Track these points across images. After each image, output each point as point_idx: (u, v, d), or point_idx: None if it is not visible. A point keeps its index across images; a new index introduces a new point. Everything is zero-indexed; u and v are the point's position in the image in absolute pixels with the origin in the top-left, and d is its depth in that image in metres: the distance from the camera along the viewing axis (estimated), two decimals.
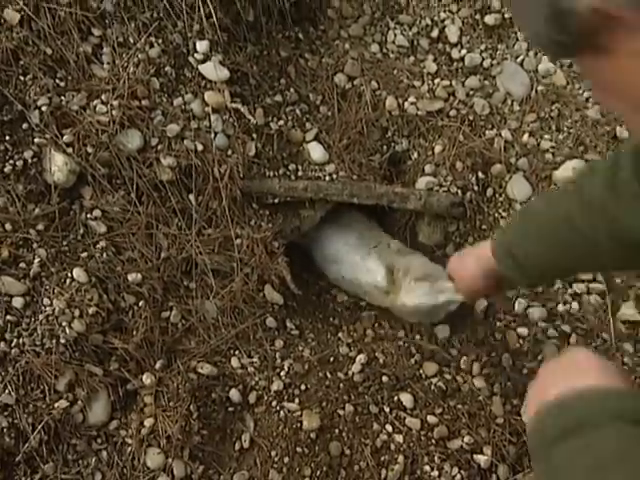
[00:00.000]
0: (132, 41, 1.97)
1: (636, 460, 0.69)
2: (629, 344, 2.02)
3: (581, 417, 0.77)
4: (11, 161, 1.76)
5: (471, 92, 2.35)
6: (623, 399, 0.78)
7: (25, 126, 1.79)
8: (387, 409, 1.92)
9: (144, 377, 1.82)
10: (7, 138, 1.77)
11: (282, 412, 1.87)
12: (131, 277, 1.86)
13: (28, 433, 1.66)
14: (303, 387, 1.92)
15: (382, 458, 1.85)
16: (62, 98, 1.84)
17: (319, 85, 2.28)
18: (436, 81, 2.35)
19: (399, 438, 1.88)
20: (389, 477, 1.82)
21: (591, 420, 0.75)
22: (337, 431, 1.87)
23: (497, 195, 2.24)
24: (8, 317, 1.70)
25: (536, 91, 2.34)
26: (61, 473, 1.70)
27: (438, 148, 2.26)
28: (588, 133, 2.27)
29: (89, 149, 1.82)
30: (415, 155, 2.29)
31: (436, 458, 1.85)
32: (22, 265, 1.75)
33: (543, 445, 0.80)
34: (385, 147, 2.28)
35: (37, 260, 1.76)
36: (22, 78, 1.81)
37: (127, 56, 1.93)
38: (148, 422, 1.78)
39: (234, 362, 1.92)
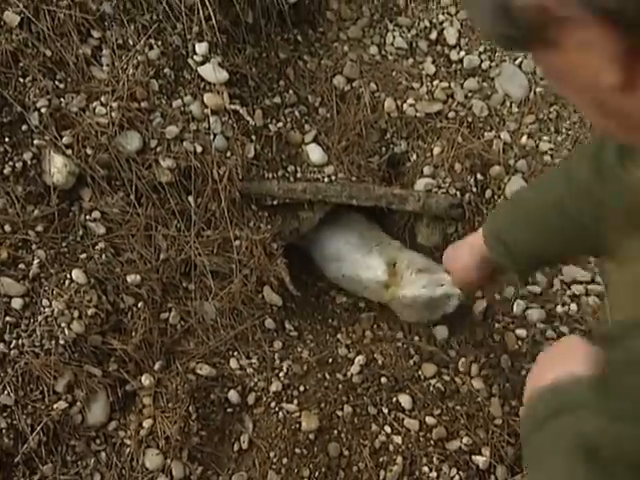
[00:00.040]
0: (131, 43, 1.97)
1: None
2: None
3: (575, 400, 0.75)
4: (10, 163, 1.77)
5: (470, 94, 2.36)
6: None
7: (24, 128, 1.80)
8: (386, 410, 1.92)
9: (143, 378, 1.82)
10: (6, 140, 1.78)
11: (281, 413, 1.87)
12: (130, 278, 1.86)
13: (27, 434, 1.67)
14: (302, 388, 1.92)
15: (381, 459, 1.86)
16: (61, 100, 1.85)
17: (318, 87, 2.29)
18: (435, 83, 2.35)
19: (398, 439, 1.88)
20: (388, 478, 1.83)
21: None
22: (336, 432, 1.87)
23: (496, 197, 2.24)
24: (7, 318, 1.71)
25: (535, 93, 2.35)
26: (60, 474, 1.71)
27: (437, 150, 2.26)
28: (587, 135, 2.27)
29: (88, 151, 1.83)
30: (414, 157, 2.29)
31: (435, 459, 1.86)
32: (21, 266, 1.76)
33: (535, 429, 0.78)
34: (384, 149, 2.29)
35: (36, 261, 1.77)
36: (22, 80, 1.82)
37: (126, 58, 1.94)
38: (147, 423, 1.78)
39: (233, 363, 1.93)
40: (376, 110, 2.28)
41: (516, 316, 2.12)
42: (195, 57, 2.04)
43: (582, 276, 2.16)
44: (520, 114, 2.33)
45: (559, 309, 2.11)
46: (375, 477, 1.83)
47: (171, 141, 1.94)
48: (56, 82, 1.86)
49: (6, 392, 1.66)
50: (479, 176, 2.23)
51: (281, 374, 1.94)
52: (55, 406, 1.70)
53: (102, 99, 1.88)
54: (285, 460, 1.82)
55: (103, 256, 1.84)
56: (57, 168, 1.79)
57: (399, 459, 1.85)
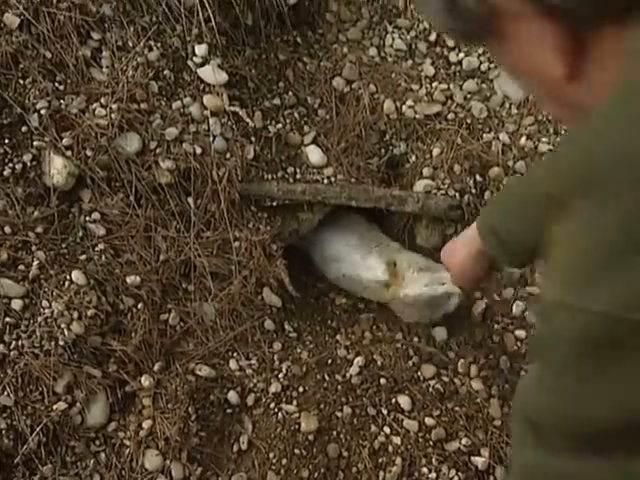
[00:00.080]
0: (131, 45, 1.97)
1: None
2: None
3: None
4: (10, 164, 1.77)
5: (469, 95, 2.36)
6: None
7: (24, 129, 1.80)
8: (385, 411, 1.92)
9: (142, 379, 1.82)
10: (6, 141, 1.78)
11: (280, 414, 1.88)
12: (130, 279, 1.86)
13: (27, 435, 1.67)
14: (301, 389, 1.93)
15: (380, 460, 1.86)
16: (61, 101, 1.85)
17: (317, 88, 2.29)
18: (434, 84, 2.36)
19: (397, 440, 1.88)
20: (387, 479, 1.83)
21: None
22: (335, 433, 1.87)
23: (495, 198, 2.25)
24: (7, 319, 1.71)
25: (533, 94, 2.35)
26: (59, 475, 1.71)
27: (436, 151, 2.26)
28: None
29: (88, 152, 1.83)
30: (413, 158, 2.30)
31: (434, 460, 1.86)
32: (21, 267, 1.76)
33: None
34: (383, 150, 2.29)
35: (36, 262, 1.77)
36: (22, 82, 1.82)
37: (126, 60, 1.94)
38: (146, 424, 1.78)
39: (232, 364, 1.93)
40: (375, 112, 2.29)
41: (515, 317, 2.12)
42: (195, 59, 2.04)
43: None
44: (519, 115, 2.33)
45: None
46: (374, 478, 1.83)
47: (171, 142, 1.94)
48: (56, 84, 1.87)
49: (6, 393, 1.67)
50: (478, 177, 2.23)
51: (280, 375, 1.94)
52: (55, 407, 1.70)
53: (102, 101, 1.88)
54: (284, 461, 1.82)
55: (103, 257, 1.85)
56: (57, 169, 1.79)
57: (398, 460, 1.85)
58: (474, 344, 2.07)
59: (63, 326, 1.73)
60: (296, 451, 1.83)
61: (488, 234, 1.35)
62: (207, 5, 2.01)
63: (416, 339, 2.08)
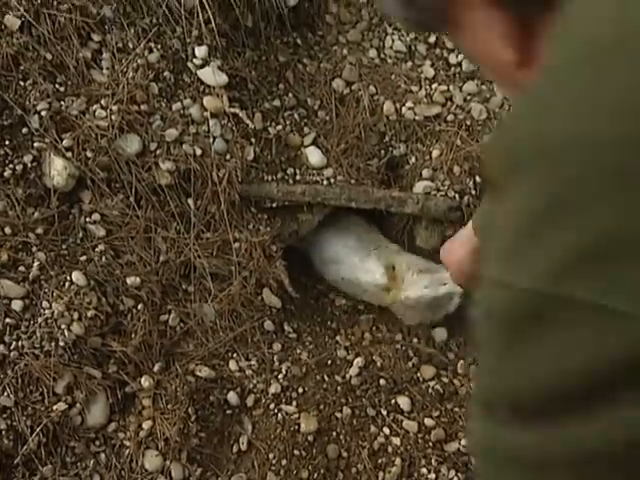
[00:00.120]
0: (131, 46, 1.98)
1: None
2: None
3: None
4: (11, 165, 1.78)
5: (468, 97, 2.36)
6: None
7: (25, 131, 1.81)
8: (384, 412, 1.93)
9: (142, 380, 1.83)
10: (7, 142, 1.78)
11: (280, 415, 1.88)
12: (130, 280, 1.87)
13: (27, 435, 1.67)
14: (301, 390, 1.93)
15: (379, 461, 1.86)
16: (62, 103, 1.86)
17: (317, 90, 2.30)
18: (434, 86, 2.36)
19: (396, 441, 1.88)
20: (386, 479, 1.83)
21: None
22: (334, 434, 1.88)
23: None
24: (7, 320, 1.71)
25: None
26: (59, 475, 1.71)
27: (436, 153, 2.27)
28: None
29: (88, 153, 1.84)
30: (413, 159, 2.30)
31: (433, 461, 1.86)
32: (21, 268, 1.77)
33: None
34: (383, 152, 2.30)
35: (36, 263, 1.78)
36: (22, 83, 1.83)
37: (126, 61, 1.95)
38: (146, 425, 1.79)
39: (232, 365, 1.93)
40: (375, 113, 2.29)
41: None
42: (195, 60, 2.05)
43: None
44: None
45: None
46: (374, 478, 1.83)
47: (171, 144, 1.95)
48: (56, 85, 1.87)
49: (6, 393, 1.67)
50: (478, 179, 2.23)
51: (280, 376, 1.95)
52: (55, 407, 1.71)
53: (102, 102, 1.89)
54: (284, 461, 1.82)
55: (103, 258, 1.85)
56: (57, 171, 1.80)
57: (398, 460, 1.86)
58: (474, 345, 2.07)
59: (63, 327, 1.74)
60: (296, 452, 1.83)
61: None
62: (207, 7, 2.02)
63: (416, 340, 2.08)
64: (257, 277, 2.02)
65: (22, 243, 1.78)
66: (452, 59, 2.40)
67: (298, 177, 2.16)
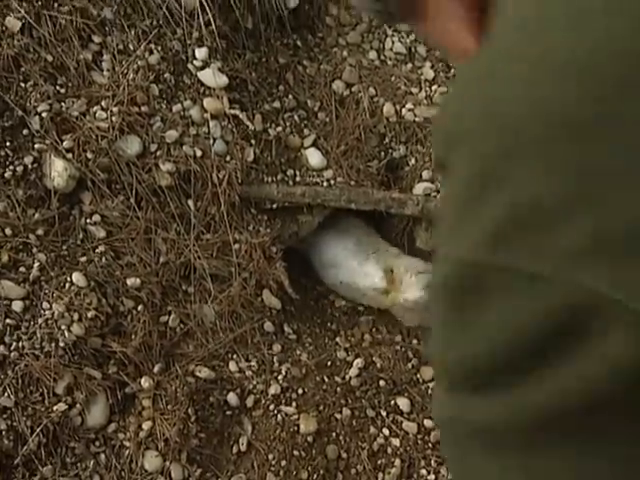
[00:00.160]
0: (132, 48, 1.99)
1: None
2: None
3: None
4: (11, 166, 1.78)
5: None
6: None
7: (25, 132, 1.81)
8: (384, 413, 1.93)
9: (142, 380, 1.83)
10: (7, 144, 1.79)
11: (279, 416, 1.88)
12: (130, 281, 1.87)
13: (27, 436, 1.68)
14: (300, 391, 1.93)
15: (379, 462, 1.86)
16: (62, 104, 1.86)
17: (317, 92, 2.30)
18: (433, 88, 2.37)
19: (396, 442, 1.89)
20: None
21: None
22: (334, 435, 1.88)
23: None
24: (8, 321, 1.72)
25: None
26: (59, 476, 1.71)
27: None
28: None
29: (89, 155, 1.84)
30: (412, 161, 2.30)
31: (433, 462, 1.86)
32: (22, 269, 1.77)
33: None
34: (383, 153, 2.30)
35: (37, 264, 1.78)
36: (23, 85, 1.84)
37: (127, 63, 1.96)
38: (146, 425, 1.79)
39: (232, 366, 1.94)
40: (375, 115, 2.30)
41: None
42: (195, 62, 2.05)
43: None
44: None
45: None
46: (373, 479, 1.83)
47: (171, 145, 1.95)
48: (57, 87, 1.88)
49: (6, 394, 1.67)
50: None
51: (280, 377, 1.95)
52: (55, 408, 1.71)
53: (102, 104, 1.90)
54: (284, 462, 1.83)
55: (103, 259, 1.86)
56: (58, 172, 1.80)
57: (397, 462, 1.86)
58: None
59: (63, 328, 1.74)
60: (295, 452, 1.84)
61: None
62: (207, 9, 2.03)
63: (415, 341, 2.09)
64: (257, 278, 2.02)
65: (22, 244, 1.79)
66: (452, 61, 2.41)
67: (298, 178, 2.16)
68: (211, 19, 2.04)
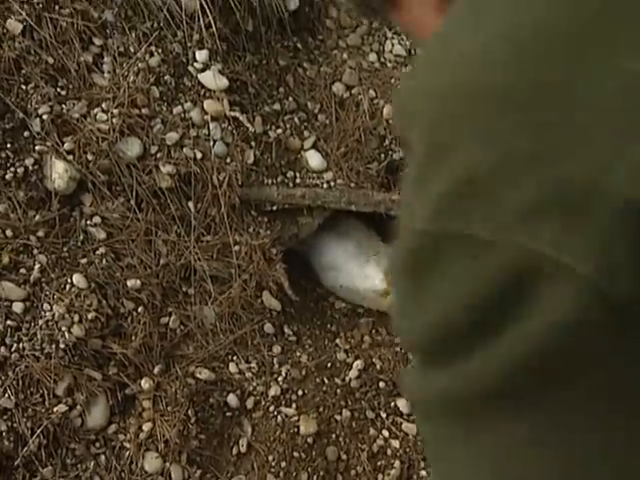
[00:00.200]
0: (132, 50, 1.99)
1: None
2: None
3: None
4: (12, 168, 1.79)
5: None
6: None
7: (26, 134, 1.82)
8: (384, 414, 1.93)
9: (143, 382, 1.83)
10: (8, 146, 1.80)
11: (279, 417, 1.89)
12: (130, 283, 1.88)
13: (27, 437, 1.68)
14: (300, 392, 1.94)
15: (378, 463, 1.87)
16: (63, 106, 1.87)
17: (317, 94, 2.31)
18: None
19: (395, 443, 1.89)
20: None
21: None
22: (334, 436, 1.88)
23: None
24: (8, 322, 1.72)
25: None
26: (60, 477, 1.72)
27: None
28: None
29: (89, 157, 1.85)
30: None
31: None
32: (22, 271, 1.78)
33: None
34: (383, 155, 2.30)
35: (37, 266, 1.78)
36: (24, 87, 1.84)
37: (127, 65, 1.96)
38: (146, 426, 1.79)
39: (232, 367, 1.94)
40: (375, 117, 2.30)
41: None
42: (195, 64, 2.06)
43: None
44: None
45: None
46: None
47: (171, 147, 1.96)
48: (58, 89, 1.89)
49: (7, 395, 1.68)
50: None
51: (280, 378, 1.95)
52: (55, 409, 1.71)
53: (103, 106, 1.90)
54: (283, 464, 1.83)
55: (103, 261, 1.86)
56: (58, 174, 1.81)
57: (397, 463, 1.86)
58: None
59: (64, 329, 1.75)
60: (295, 454, 1.84)
61: None
62: (208, 11, 2.03)
63: None
64: (257, 280, 2.03)
65: (23, 245, 1.79)
66: None
67: (298, 180, 2.17)
68: (212, 21, 2.04)
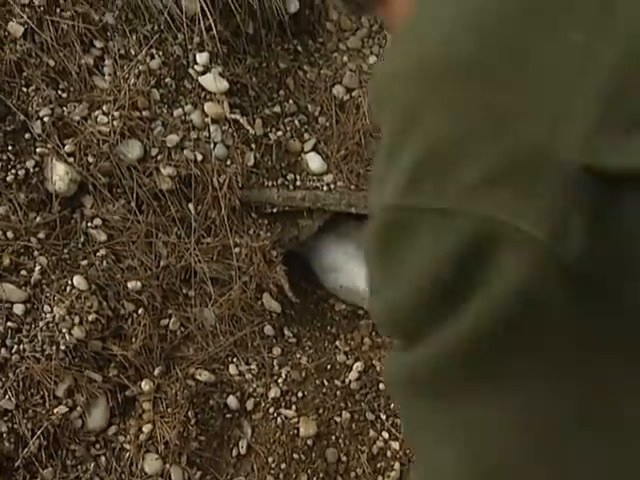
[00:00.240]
0: (133, 53, 2.00)
1: None
2: None
3: None
4: (13, 170, 1.79)
5: None
6: None
7: (27, 136, 1.82)
8: (383, 416, 1.93)
9: (143, 383, 1.84)
10: (10, 148, 1.80)
11: (279, 419, 1.89)
12: (131, 285, 1.88)
13: (27, 438, 1.68)
14: (300, 394, 1.94)
15: (378, 465, 1.87)
16: (64, 109, 1.88)
17: (317, 96, 2.31)
18: None
19: (395, 445, 1.89)
20: None
21: None
22: (334, 438, 1.89)
23: None
24: (9, 324, 1.73)
25: None
26: (60, 478, 1.72)
27: None
28: None
29: (90, 159, 1.85)
30: None
31: None
32: (23, 272, 1.78)
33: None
34: None
35: (38, 268, 1.79)
36: (25, 89, 1.85)
37: (128, 68, 1.97)
38: (146, 428, 1.80)
39: (232, 369, 1.94)
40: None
41: None
42: (196, 67, 2.06)
43: None
44: None
45: None
46: None
47: (172, 149, 1.96)
48: (59, 91, 1.89)
49: (7, 396, 1.68)
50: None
51: (280, 380, 1.95)
52: (55, 411, 1.72)
53: (104, 108, 1.91)
54: (283, 465, 1.83)
55: (104, 263, 1.87)
56: (59, 176, 1.81)
57: (396, 465, 1.86)
58: None
59: (64, 331, 1.75)
60: (295, 456, 1.84)
61: None
62: (208, 14, 2.04)
63: None
64: (257, 282, 2.03)
65: (24, 247, 1.80)
66: None
67: (298, 183, 2.17)
68: (212, 24, 2.05)
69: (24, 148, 1.82)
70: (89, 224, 1.88)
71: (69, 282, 1.81)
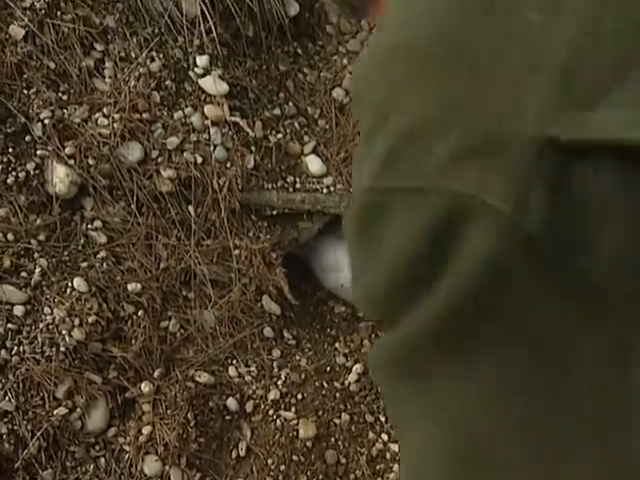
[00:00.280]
0: (134, 56, 2.01)
1: None
2: None
3: None
4: (14, 172, 1.80)
5: None
6: None
7: (28, 138, 1.83)
8: (383, 418, 1.94)
9: (142, 385, 1.84)
10: (10, 150, 1.81)
11: (279, 421, 1.89)
12: (131, 287, 1.89)
13: (27, 440, 1.68)
14: (300, 396, 1.94)
15: (378, 467, 1.87)
16: (64, 111, 1.88)
17: (317, 99, 2.32)
18: None
19: (394, 447, 1.89)
20: None
21: None
22: (333, 440, 1.89)
23: None
24: (9, 325, 1.73)
25: None
26: (59, 479, 1.72)
27: None
28: None
29: (90, 161, 1.86)
30: None
31: None
32: (23, 274, 1.78)
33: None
34: None
35: (38, 269, 1.79)
36: (26, 92, 1.85)
37: (128, 70, 1.97)
38: (146, 430, 1.80)
39: (231, 371, 1.95)
40: None
41: None
42: (196, 69, 2.07)
43: None
44: None
45: None
46: None
47: (172, 152, 1.97)
48: (59, 94, 1.90)
49: (7, 398, 1.68)
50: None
51: (279, 382, 1.96)
52: (55, 412, 1.72)
53: (104, 110, 1.91)
54: (283, 467, 1.83)
55: (104, 265, 1.87)
56: (59, 178, 1.82)
57: (396, 467, 1.86)
58: None
59: (64, 332, 1.75)
60: (294, 457, 1.84)
61: None
62: (209, 17, 2.05)
63: None
64: (257, 284, 2.03)
65: (24, 249, 1.80)
66: None
67: (298, 185, 2.18)
68: (212, 27, 2.06)
69: (24, 150, 1.83)
70: (89, 226, 1.89)
71: (69, 284, 1.81)
